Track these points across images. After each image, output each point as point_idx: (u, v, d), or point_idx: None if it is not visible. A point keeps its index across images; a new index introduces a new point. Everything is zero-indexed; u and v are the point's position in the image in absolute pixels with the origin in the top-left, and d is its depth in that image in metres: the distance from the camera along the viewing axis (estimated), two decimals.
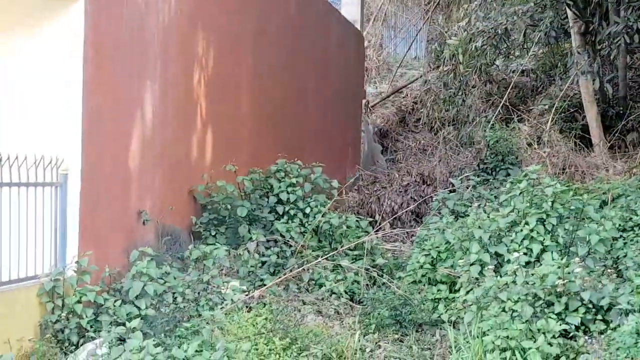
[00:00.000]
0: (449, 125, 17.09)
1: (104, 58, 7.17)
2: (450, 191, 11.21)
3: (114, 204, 7.46)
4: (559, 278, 6.47)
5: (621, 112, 14.98)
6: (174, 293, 7.26)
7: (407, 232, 11.20)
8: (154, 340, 6.19)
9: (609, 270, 7.16)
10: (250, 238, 8.70)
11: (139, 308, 6.89)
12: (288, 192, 9.51)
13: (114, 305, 6.76)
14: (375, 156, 16.23)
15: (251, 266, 8.39)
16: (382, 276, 8.62)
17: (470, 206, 9.42)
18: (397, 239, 11.25)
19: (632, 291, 6.47)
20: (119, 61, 7.44)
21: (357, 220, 9.71)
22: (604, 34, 13.79)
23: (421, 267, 8.36)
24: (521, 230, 7.81)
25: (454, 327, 7.35)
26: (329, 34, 13.95)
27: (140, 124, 7.84)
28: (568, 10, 14.27)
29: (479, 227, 7.95)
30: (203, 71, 9.06)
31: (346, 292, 8.45)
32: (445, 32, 18.31)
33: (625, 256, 8.29)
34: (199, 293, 7.46)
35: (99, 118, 7.13)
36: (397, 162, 15.98)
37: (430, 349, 7.24)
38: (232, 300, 7.43)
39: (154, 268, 7.24)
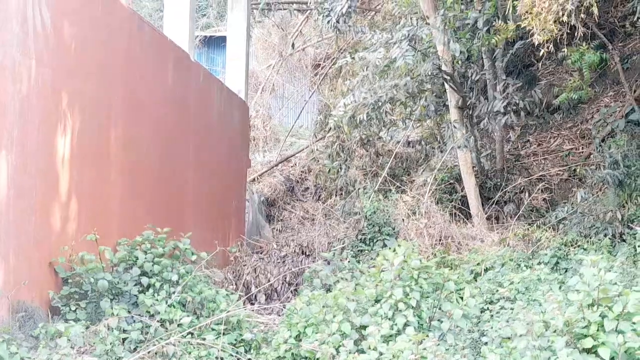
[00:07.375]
0: (335, 195, 17.21)
1: None
2: (328, 262, 11.17)
3: None
4: (412, 354, 6.44)
5: (499, 184, 15.44)
6: None
7: (283, 305, 11.05)
8: None
9: (460, 345, 7.18)
10: (112, 313, 8.37)
11: None
12: (154, 263, 9.24)
13: None
14: (260, 226, 16.12)
15: (110, 343, 8.03)
16: (248, 351, 8.40)
17: (343, 278, 9.37)
18: (272, 311, 11.08)
19: None
20: None
21: (227, 294, 9.50)
22: (480, 108, 14.27)
23: (285, 342, 8.20)
24: (386, 301, 7.78)
25: None
26: (211, 104, 13.89)
27: None
28: (446, 84, 14.72)
29: (346, 299, 7.87)
30: (67, 140, 8.80)
31: None
32: (330, 103, 18.59)
33: (492, 328, 8.38)
34: None
35: None
36: (282, 231, 15.91)
37: None
38: None
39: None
